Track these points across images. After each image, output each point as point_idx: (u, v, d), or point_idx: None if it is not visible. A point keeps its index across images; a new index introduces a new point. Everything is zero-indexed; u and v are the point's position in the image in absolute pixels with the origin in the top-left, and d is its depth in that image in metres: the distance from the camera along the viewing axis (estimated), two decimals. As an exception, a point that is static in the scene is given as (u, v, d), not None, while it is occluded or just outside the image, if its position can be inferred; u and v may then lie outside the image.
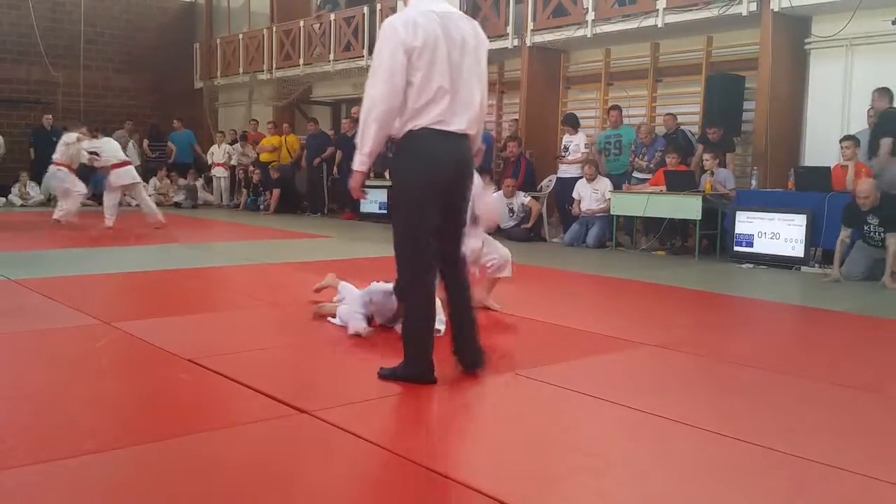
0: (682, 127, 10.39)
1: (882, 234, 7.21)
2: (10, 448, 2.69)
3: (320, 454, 2.76)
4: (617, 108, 10.67)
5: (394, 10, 13.42)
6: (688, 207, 8.89)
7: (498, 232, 10.83)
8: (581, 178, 10.34)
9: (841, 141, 8.26)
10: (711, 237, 9.19)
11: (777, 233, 8.21)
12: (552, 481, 2.60)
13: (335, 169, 14.16)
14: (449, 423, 3.12)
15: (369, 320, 4.57)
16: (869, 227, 7.34)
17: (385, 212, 12.84)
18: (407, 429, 3.06)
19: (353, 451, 2.76)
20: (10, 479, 2.44)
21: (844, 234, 7.38)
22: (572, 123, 10.93)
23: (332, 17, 15.26)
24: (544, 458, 2.77)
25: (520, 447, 2.86)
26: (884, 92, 8.31)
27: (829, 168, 8.25)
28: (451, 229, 3.53)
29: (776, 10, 8.90)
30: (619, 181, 10.26)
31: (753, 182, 8.93)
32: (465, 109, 3.42)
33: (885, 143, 8.03)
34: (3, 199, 15.14)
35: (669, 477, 2.64)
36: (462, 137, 3.46)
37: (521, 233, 10.52)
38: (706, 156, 9.19)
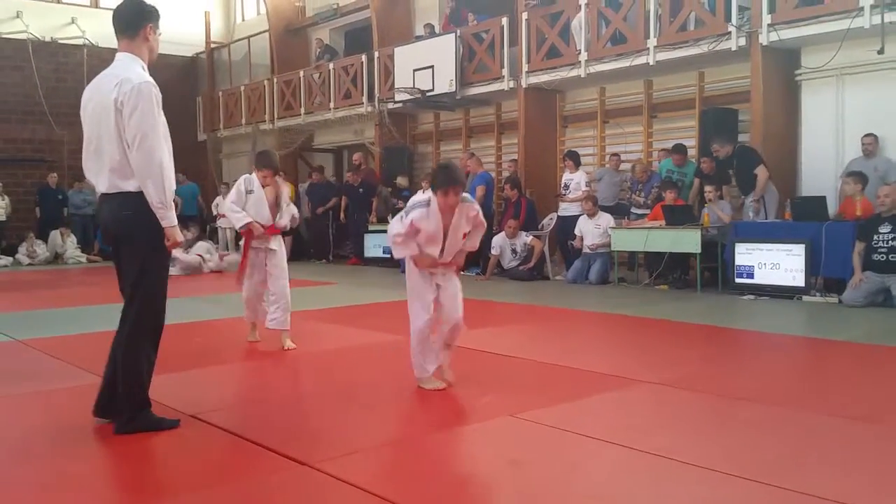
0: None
1: (892, 243, 7.39)
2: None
3: (320, 507, 2.80)
4: (683, 147, 10.21)
5: (391, 58, 13.70)
6: (687, 241, 8.94)
7: (501, 272, 10.93)
8: (582, 214, 10.42)
9: (845, 175, 8.39)
10: (713, 269, 9.23)
11: (777, 263, 8.25)
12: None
13: (342, 215, 14.38)
14: (446, 470, 3.16)
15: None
16: (879, 238, 7.48)
17: (389, 256, 12.97)
18: (404, 477, 3.09)
19: (352, 502, 2.79)
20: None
21: (859, 247, 7.62)
22: (574, 160, 11.05)
23: (331, 66, 15.54)
24: (542, 503, 2.79)
25: (517, 492, 2.89)
26: (724, 139, 9.24)
27: (824, 197, 8.32)
28: (122, 278, 3.70)
29: (765, 43, 9.05)
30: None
31: (751, 213, 8.99)
32: (106, 170, 3.55)
33: (762, 170, 8.81)
34: (11, 259, 15.29)
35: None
36: (105, 197, 3.61)
37: (524, 272, 10.58)
38: (707, 188, 9.28)
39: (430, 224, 4.22)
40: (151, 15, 3.68)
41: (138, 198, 3.50)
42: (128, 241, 3.60)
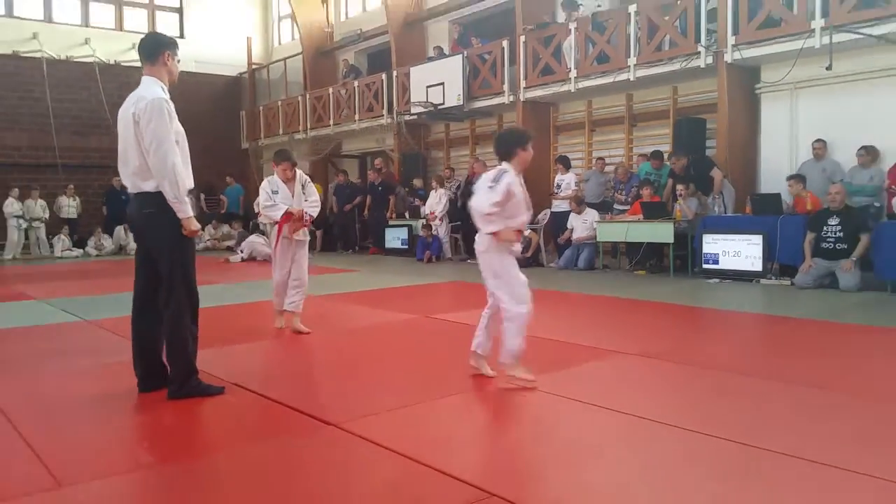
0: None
1: (838, 234, 7.37)
2: (78, 463, 2.77)
3: (344, 463, 2.80)
4: (660, 153, 10.12)
5: (407, 76, 13.64)
6: (662, 233, 8.91)
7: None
8: (572, 211, 10.38)
9: (788, 179, 8.37)
10: (683, 257, 9.19)
11: (739, 251, 8.20)
12: (538, 476, 2.64)
13: (365, 212, 14.39)
14: (448, 430, 3.17)
15: None
16: (828, 229, 7.46)
17: (406, 247, 12.97)
18: (413, 435, 3.10)
19: (373, 458, 2.81)
20: (81, 493, 2.52)
21: (810, 236, 7.59)
22: (565, 164, 11.00)
23: (356, 83, 15.52)
24: (533, 457, 2.80)
25: (510, 448, 2.90)
26: (679, 152, 9.30)
27: (779, 195, 8.27)
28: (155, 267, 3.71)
29: (729, 61, 8.98)
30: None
31: (716, 209, 8.94)
32: (130, 173, 3.63)
33: (716, 172, 8.90)
34: (81, 251, 15.40)
35: (645, 468, 2.66)
36: (134, 196, 3.67)
37: (522, 260, 10.52)
38: (679, 187, 9.22)
39: (518, 187, 3.71)
40: (169, 44, 3.77)
41: (157, 196, 3.58)
42: (152, 235, 3.67)
